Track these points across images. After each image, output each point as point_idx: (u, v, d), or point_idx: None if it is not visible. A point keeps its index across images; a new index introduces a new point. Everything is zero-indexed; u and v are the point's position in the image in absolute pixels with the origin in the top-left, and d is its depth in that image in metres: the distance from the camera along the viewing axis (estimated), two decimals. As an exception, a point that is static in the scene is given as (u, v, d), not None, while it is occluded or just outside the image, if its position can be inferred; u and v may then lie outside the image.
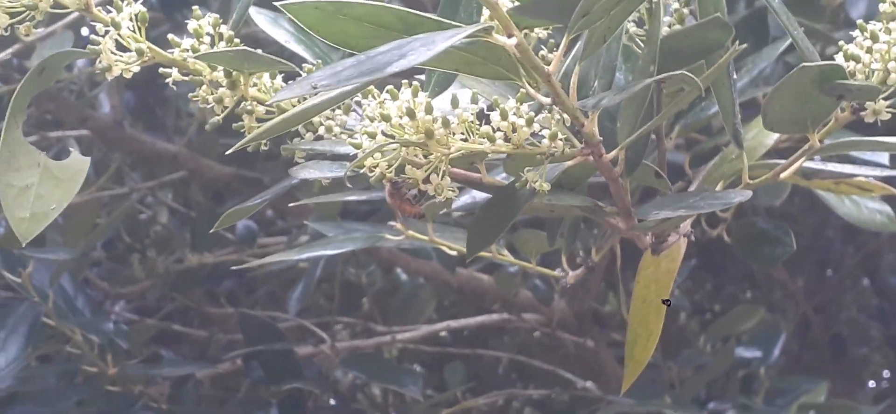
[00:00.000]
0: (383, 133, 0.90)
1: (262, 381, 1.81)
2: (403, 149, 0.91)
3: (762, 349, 2.17)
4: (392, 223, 1.35)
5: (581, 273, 1.37)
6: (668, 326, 1.23)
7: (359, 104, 1.03)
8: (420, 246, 1.56)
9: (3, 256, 1.65)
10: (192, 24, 0.99)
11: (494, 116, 0.91)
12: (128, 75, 0.97)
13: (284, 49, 1.11)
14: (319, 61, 1.05)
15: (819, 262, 2.80)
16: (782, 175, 1.03)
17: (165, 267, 2.12)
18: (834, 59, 0.93)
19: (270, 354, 1.81)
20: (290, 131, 1.01)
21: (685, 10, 1.06)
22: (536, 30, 1.08)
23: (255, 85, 1.01)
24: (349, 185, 0.97)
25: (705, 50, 1.00)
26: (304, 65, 1.04)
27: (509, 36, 0.86)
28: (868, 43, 0.92)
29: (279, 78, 1.03)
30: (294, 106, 0.98)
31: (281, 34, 1.08)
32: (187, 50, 0.98)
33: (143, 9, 0.96)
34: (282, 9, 0.86)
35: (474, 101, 0.91)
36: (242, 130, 1.03)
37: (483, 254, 1.25)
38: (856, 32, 0.94)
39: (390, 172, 0.91)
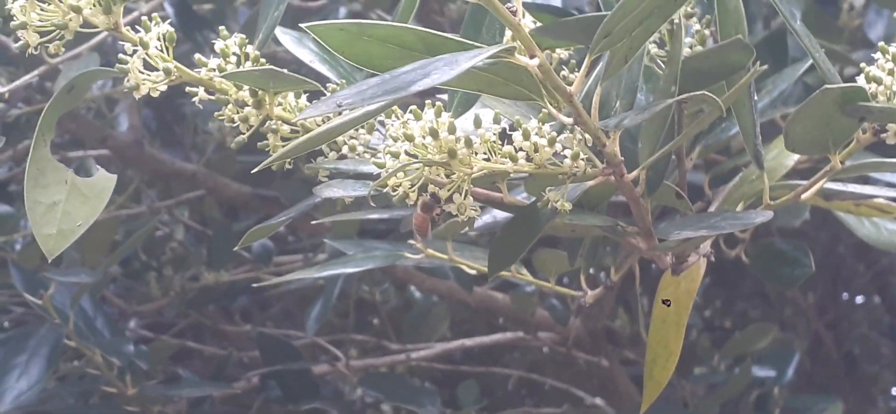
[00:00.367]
0: (407, 153, 0.91)
1: (280, 400, 1.81)
2: (426, 168, 0.92)
3: (776, 368, 2.17)
4: (411, 242, 1.36)
5: (600, 292, 1.38)
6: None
7: (382, 124, 1.04)
8: (438, 265, 1.57)
9: (25, 278, 1.65)
10: (218, 44, 1.00)
11: (516, 136, 0.92)
12: (155, 94, 0.98)
13: (309, 69, 1.12)
14: (343, 81, 1.06)
15: (830, 279, 2.80)
16: (803, 196, 1.04)
17: (181, 285, 2.13)
18: (855, 81, 0.94)
19: (288, 373, 1.81)
20: (313, 151, 1.02)
21: (706, 31, 1.06)
22: (558, 50, 1.09)
23: (280, 104, 1.02)
24: (372, 204, 0.98)
25: (726, 71, 1.01)
26: (328, 84, 1.05)
27: (532, 56, 0.87)
28: (890, 65, 0.93)
29: (303, 97, 1.04)
30: (319, 126, 0.99)
31: (305, 54, 1.10)
32: (213, 69, 0.99)
33: (171, 29, 0.97)
34: (307, 30, 0.87)
35: (497, 121, 0.92)
36: (267, 149, 1.04)
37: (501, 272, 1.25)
38: (877, 54, 0.95)
39: (413, 192, 0.92)
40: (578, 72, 1.08)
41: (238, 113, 1.01)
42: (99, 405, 1.74)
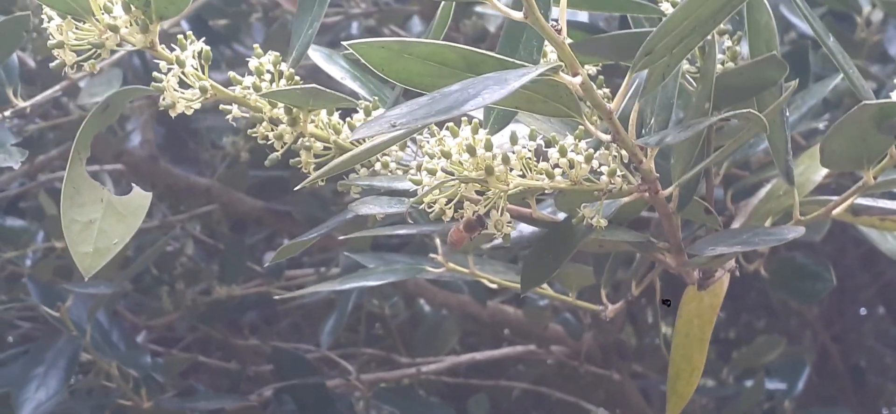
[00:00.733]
0: (443, 170, 0.91)
1: (293, 414, 1.81)
2: (462, 185, 0.92)
3: (787, 381, 2.18)
4: (432, 255, 1.36)
5: (620, 306, 1.38)
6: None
7: (413, 141, 1.04)
8: (453, 278, 1.57)
9: (42, 291, 1.65)
10: (253, 62, 1.00)
11: (552, 153, 0.92)
12: (189, 112, 0.98)
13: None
14: (375, 98, 1.06)
15: (836, 291, 2.80)
16: (834, 212, 1.04)
17: (193, 298, 2.13)
18: (891, 98, 0.95)
19: (302, 387, 1.81)
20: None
21: (737, 47, 1.07)
22: (587, 66, 1.10)
23: (312, 122, 1.02)
24: (410, 221, 0.98)
25: (759, 87, 1.01)
26: (359, 101, 1.05)
27: (575, 75, 0.87)
28: (925, 81, 0.93)
29: (336, 115, 1.04)
30: (353, 145, 0.99)
31: (336, 71, 1.10)
32: (248, 87, 1.00)
33: (207, 47, 0.98)
34: (347, 47, 0.87)
35: (533, 137, 0.92)
36: (298, 166, 1.04)
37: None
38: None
39: (450, 208, 0.92)
40: (606, 88, 1.09)
41: (273, 130, 1.01)
42: (114, 418, 1.74)
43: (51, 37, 0.95)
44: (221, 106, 1.01)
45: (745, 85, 1.01)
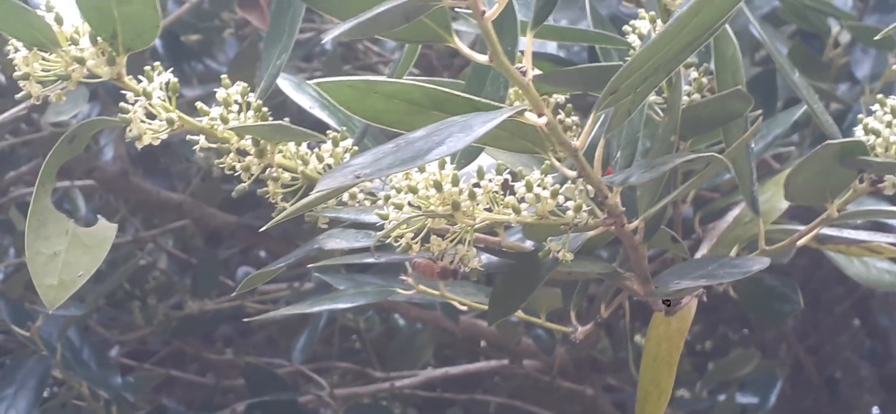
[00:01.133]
0: (410, 204, 0.91)
1: (265, 430, 1.81)
2: (429, 219, 0.92)
3: (759, 395, 2.19)
4: (403, 277, 1.36)
5: (590, 329, 1.38)
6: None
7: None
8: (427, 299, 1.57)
9: (12, 309, 1.64)
10: (220, 93, 1.00)
11: (519, 187, 0.92)
12: (156, 142, 0.98)
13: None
14: (344, 128, 1.06)
15: (811, 304, 2.82)
16: (799, 242, 1.05)
17: (165, 313, 2.12)
18: (848, 123, 0.96)
19: (274, 403, 1.81)
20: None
21: (704, 79, 1.07)
22: (554, 95, 1.10)
23: (281, 152, 1.02)
24: (374, 258, 0.99)
25: (725, 119, 1.02)
26: (328, 131, 1.05)
27: (540, 115, 0.87)
28: (888, 117, 0.94)
29: (304, 145, 1.04)
30: (321, 174, 1.00)
31: (305, 100, 1.10)
32: (216, 119, 0.99)
33: (174, 79, 0.97)
34: (315, 87, 0.87)
35: (500, 172, 0.93)
36: (266, 196, 1.04)
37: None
38: (875, 106, 0.96)
39: (416, 243, 0.93)
40: (574, 115, 1.09)
41: (240, 162, 1.01)
42: (84, 438, 1.73)
43: (17, 68, 0.94)
44: (188, 136, 1.01)
45: (710, 117, 1.02)
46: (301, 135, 0.96)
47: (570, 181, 0.94)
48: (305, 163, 1.03)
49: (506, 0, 0.83)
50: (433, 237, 0.94)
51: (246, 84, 1.00)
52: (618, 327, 2.57)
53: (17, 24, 0.91)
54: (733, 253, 1.17)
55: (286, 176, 1.03)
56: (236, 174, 1.02)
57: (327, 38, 0.78)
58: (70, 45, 0.93)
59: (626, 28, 1.06)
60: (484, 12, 0.81)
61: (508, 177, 0.93)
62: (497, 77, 0.98)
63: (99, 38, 0.93)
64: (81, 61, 0.93)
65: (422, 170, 0.91)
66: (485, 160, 0.99)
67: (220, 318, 2.12)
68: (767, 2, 1.57)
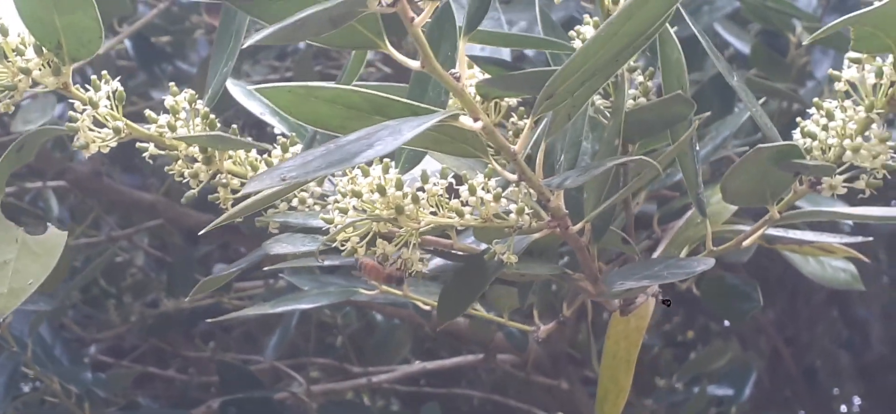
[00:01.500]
0: (355, 208, 0.92)
1: (240, 427, 1.82)
2: (375, 223, 0.93)
3: (734, 387, 2.20)
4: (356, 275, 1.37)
5: (552, 327, 1.39)
6: (641, 359, 1.25)
7: (332, 174, 1.06)
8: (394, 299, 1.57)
9: (-19, 307, 1.65)
10: (168, 101, 1.01)
11: (463, 191, 0.93)
12: (105, 151, 0.99)
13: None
14: (293, 134, 1.07)
15: (789, 294, 2.83)
16: (744, 243, 1.06)
17: (141, 311, 2.13)
18: (792, 136, 0.97)
19: (248, 401, 1.82)
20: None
21: (649, 83, 1.08)
22: (506, 99, 1.11)
23: (230, 158, 1.03)
24: (319, 260, 1.00)
25: (669, 122, 1.03)
26: (278, 137, 1.06)
27: (476, 119, 0.88)
28: (824, 120, 0.95)
29: (253, 151, 1.05)
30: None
31: (255, 106, 1.11)
32: (163, 126, 1.00)
33: (121, 88, 0.98)
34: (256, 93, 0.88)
35: (444, 176, 0.94)
36: (217, 202, 1.05)
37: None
38: (811, 110, 0.97)
39: (361, 247, 0.94)
40: (527, 119, 1.10)
41: (188, 169, 1.02)
42: (56, 435, 1.74)
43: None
44: (138, 144, 1.02)
45: (655, 120, 1.03)
46: (241, 144, 0.98)
47: (512, 184, 0.95)
48: (255, 169, 1.04)
49: (435, 6, 0.84)
50: (379, 241, 0.95)
51: (193, 92, 1.01)
52: (599, 319, 2.58)
53: (-39, 36, 0.92)
54: (683, 253, 1.18)
55: (236, 182, 1.04)
56: (185, 181, 1.03)
57: (248, 43, 0.78)
58: (16, 55, 0.94)
59: (571, 33, 1.07)
60: (413, 18, 0.81)
61: (453, 181, 0.94)
62: (439, 83, 0.99)
63: (44, 49, 0.94)
64: (27, 72, 0.94)
65: (366, 174, 0.92)
66: (431, 164, 1.00)
67: (196, 315, 2.13)
68: (730, 2, 1.57)
